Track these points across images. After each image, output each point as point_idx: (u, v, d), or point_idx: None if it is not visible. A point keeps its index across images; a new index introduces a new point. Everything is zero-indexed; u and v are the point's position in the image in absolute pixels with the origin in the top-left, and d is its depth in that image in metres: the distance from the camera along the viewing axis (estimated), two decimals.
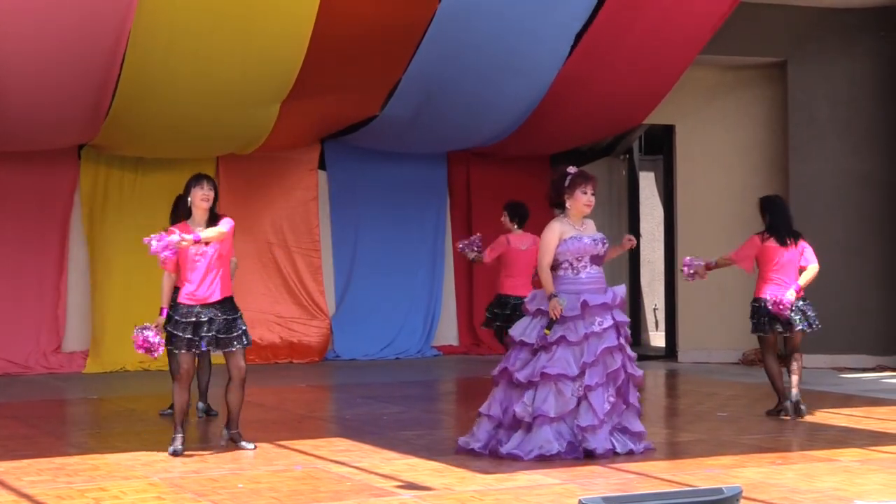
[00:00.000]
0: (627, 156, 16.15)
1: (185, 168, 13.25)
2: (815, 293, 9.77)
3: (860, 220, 13.93)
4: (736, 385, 12.05)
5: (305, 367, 14.09)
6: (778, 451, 7.91)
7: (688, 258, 9.65)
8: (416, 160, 15.16)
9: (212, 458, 7.73)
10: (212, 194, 7.98)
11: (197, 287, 7.89)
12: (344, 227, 15.03)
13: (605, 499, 3.90)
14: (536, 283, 10.92)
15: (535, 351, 7.64)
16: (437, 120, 13.63)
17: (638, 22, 12.29)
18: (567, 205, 7.78)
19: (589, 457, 7.47)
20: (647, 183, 17.44)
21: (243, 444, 7.99)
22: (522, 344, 7.70)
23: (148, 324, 7.86)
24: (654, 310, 17.33)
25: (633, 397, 7.76)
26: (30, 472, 7.18)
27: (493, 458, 7.56)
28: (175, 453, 7.78)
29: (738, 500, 4.00)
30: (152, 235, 7.74)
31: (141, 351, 7.75)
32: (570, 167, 7.88)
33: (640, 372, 7.80)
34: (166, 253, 7.68)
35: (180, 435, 7.89)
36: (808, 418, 9.33)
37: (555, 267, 7.74)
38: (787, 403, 9.46)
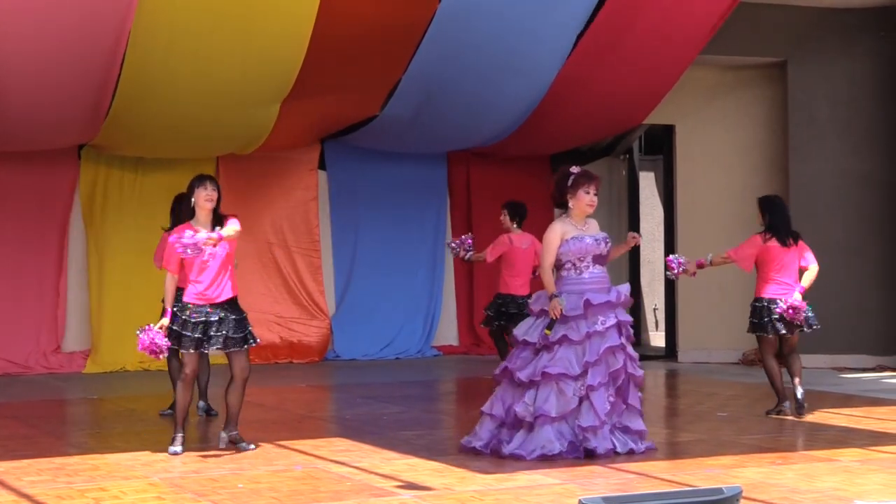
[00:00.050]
0: (627, 156, 16.15)
1: (185, 168, 13.26)
2: (815, 293, 9.78)
3: (860, 220, 13.93)
4: (736, 385, 12.05)
5: (305, 367, 14.09)
6: (778, 451, 7.91)
7: (671, 257, 9.56)
8: (416, 160, 15.16)
9: (212, 458, 7.72)
10: (215, 195, 7.97)
11: (208, 287, 7.88)
12: (344, 227, 15.03)
13: (605, 499, 3.90)
14: (534, 283, 10.99)
15: (537, 350, 7.65)
16: (437, 120, 13.63)
17: (638, 22, 12.29)
18: (570, 204, 7.78)
19: (590, 456, 7.47)
20: (647, 183, 17.44)
21: (243, 444, 7.99)
22: (525, 343, 7.71)
23: (151, 325, 7.84)
24: (654, 310, 17.33)
25: (634, 398, 7.76)
26: (30, 472, 7.18)
27: (494, 457, 7.57)
28: (175, 453, 7.78)
29: (738, 500, 3.99)
30: (180, 233, 7.72)
31: (145, 352, 7.72)
32: (574, 167, 7.88)
33: (640, 372, 7.80)
34: (189, 251, 7.67)
35: (181, 434, 7.90)
36: (808, 418, 9.33)
37: (558, 267, 7.76)
38: (787, 403, 9.47)
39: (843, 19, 13.93)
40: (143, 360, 13.21)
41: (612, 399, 7.60)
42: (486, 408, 7.81)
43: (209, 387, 9.66)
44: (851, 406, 10.25)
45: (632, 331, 7.88)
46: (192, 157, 13.67)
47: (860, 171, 13.95)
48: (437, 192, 15.53)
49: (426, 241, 15.34)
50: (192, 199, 7.95)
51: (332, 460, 7.55)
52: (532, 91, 13.19)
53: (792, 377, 9.50)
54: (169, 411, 9.72)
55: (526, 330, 7.76)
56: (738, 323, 9.98)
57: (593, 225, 7.86)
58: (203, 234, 7.72)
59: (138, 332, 7.77)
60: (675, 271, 9.36)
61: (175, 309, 7.92)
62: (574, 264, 7.72)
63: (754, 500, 6.24)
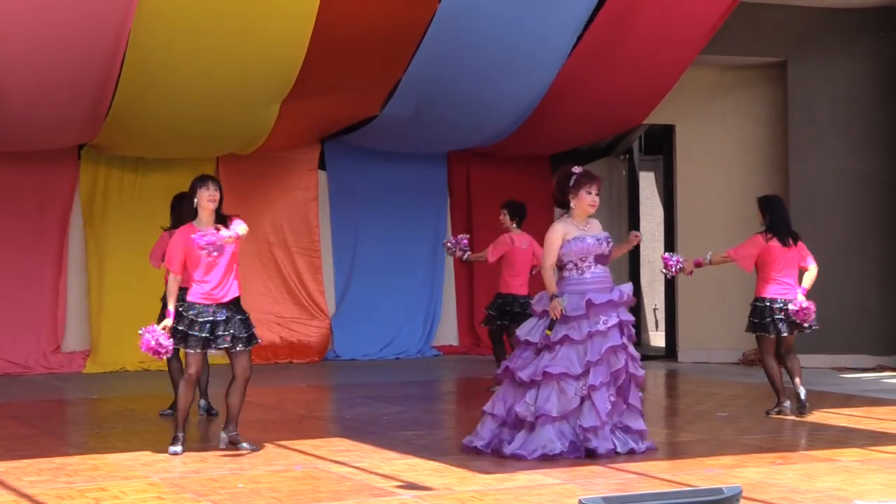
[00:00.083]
0: (627, 156, 16.15)
1: (185, 168, 13.27)
2: (815, 293, 9.78)
3: (860, 220, 13.93)
4: (736, 385, 12.05)
5: (305, 367, 14.09)
6: (778, 451, 7.91)
7: (668, 255, 9.54)
8: (416, 160, 15.16)
9: (212, 458, 7.72)
10: (217, 195, 7.96)
11: (215, 286, 7.88)
12: (344, 226, 15.03)
13: (605, 499, 3.90)
14: (532, 282, 11.00)
15: (538, 350, 7.65)
16: (437, 120, 13.63)
17: (638, 22, 12.29)
18: (571, 204, 7.78)
19: (591, 456, 7.47)
20: (647, 183, 17.44)
21: (243, 445, 7.98)
22: (527, 343, 7.72)
23: (155, 325, 7.82)
24: (654, 310, 17.34)
25: (635, 397, 7.76)
26: (30, 472, 7.18)
27: (495, 457, 7.57)
28: (175, 453, 7.78)
29: (738, 500, 3.99)
30: (203, 232, 7.77)
31: (149, 352, 7.69)
32: (576, 167, 7.88)
33: (641, 372, 7.80)
34: (213, 252, 7.70)
35: (181, 434, 7.90)
36: (808, 418, 9.32)
37: (560, 268, 7.76)
38: (787, 403, 9.47)
39: (843, 19, 13.93)
40: (142, 360, 13.20)
41: (612, 399, 7.60)
42: (487, 407, 7.82)
43: (209, 386, 9.65)
44: (851, 406, 10.24)
45: (633, 330, 7.88)
46: (192, 157, 13.66)
47: (860, 171, 13.95)
48: (437, 192, 15.53)
49: (426, 241, 15.34)
50: (195, 200, 7.94)
51: (332, 460, 7.55)
52: (532, 91, 13.19)
53: (792, 377, 9.49)
54: (169, 411, 9.73)
55: (528, 330, 7.77)
56: (738, 323, 9.98)
57: (595, 225, 7.86)
58: (225, 232, 7.76)
59: (141, 332, 7.75)
60: (673, 269, 9.35)
61: (180, 309, 7.89)
62: (576, 264, 7.72)
63: (754, 500, 6.24)
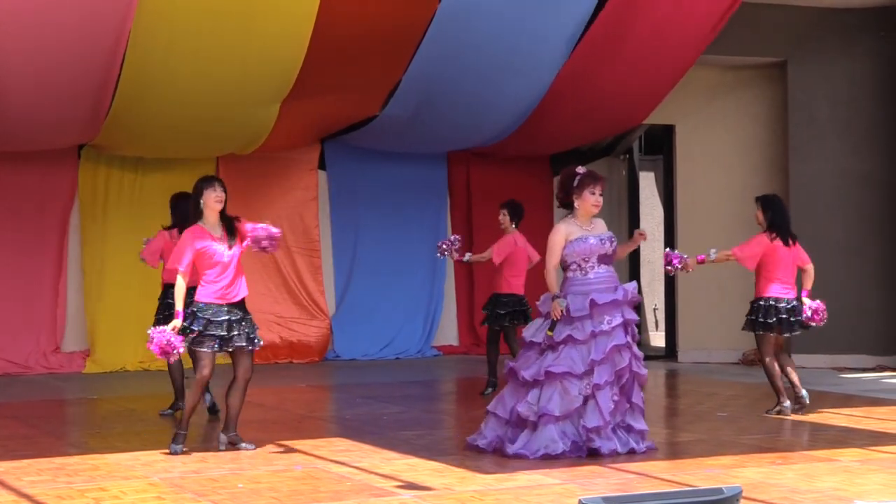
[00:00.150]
0: (627, 156, 16.14)
1: (185, 168, 13.27)
2: (815, 293, 9.79)
3: (860, 220, 13.93)
4: (736, 385, 12.05)
5: (305, 367, 14.09)
6: (778, 451, 7.91)
7: (669, 251, 9.55)
8: (416, 160, 15.16)
9: (212, 458, 7.72)
10: (224, 196, 7.98)
11: (228, 286, 7.90)
12: (344, 227, 15.03)
13: (605, 499, 3.89)
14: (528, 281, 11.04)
15: (542, 350, 7.66)
16: (437, 120, 13.63)
17: (638, 22, 12.29)
18: (575, 205, 7.79)
19: (593, 456, 7.47)
20: (647, 183, 17.44)
21: (243, 445, 7.98)
22: (532, 344, 7.72)
23: (163, 326, 7.79)
24: (654, 310, 17.33)
25: (638, 397, 7.77)
26: (30, 472, 7.18)
27: (498, 456, 7.58)
28: (175, 453, 7.77)
29: (738, 500, 3.99)
30: (264, 231, 7.91)
31: (157, 352, 7.65)
32: (580, 167, 7.88)
33: (644, 371, 7.80)
34: (268, 245, 7.92)
35: (183, 433, 7.89)
36: (808, 418, 9.33)
37: (564, 268, 7.76)
38: (787, 403, 9.48)
39: (843, 19, 13.92)
40: (142, 360, 13.21)
41: (615, 398, 7.61)
42: (490, 407, 7.84)
43: (211, 387, 9.63)
44: (851, 406, 10.25)
45: (636, 330, 7.89)
46: (192, 157, 13.66)
47: (860, 171, 13.95)
48: (437, 192, 15.53)
49: (426, 241, 15.30)
50: (201, 201, 7.93)
51: (332, 460, 7.55)
52: (532, 91, 13.19)
53: (789, 375, 9.53)
54: (169, 411, 9.73)
55: (534, 331, 7.78)
56: (738, 323, 9.98)
57: (599, 225, 7.86)
58: (273, 228, 7.91)
59: (150, 331, 7.71)
60: (677, 266, 9.35)
61: (193, 309, 7.84)
62: (579, 265, 7.72)
63: (754, 500, 6.23)
